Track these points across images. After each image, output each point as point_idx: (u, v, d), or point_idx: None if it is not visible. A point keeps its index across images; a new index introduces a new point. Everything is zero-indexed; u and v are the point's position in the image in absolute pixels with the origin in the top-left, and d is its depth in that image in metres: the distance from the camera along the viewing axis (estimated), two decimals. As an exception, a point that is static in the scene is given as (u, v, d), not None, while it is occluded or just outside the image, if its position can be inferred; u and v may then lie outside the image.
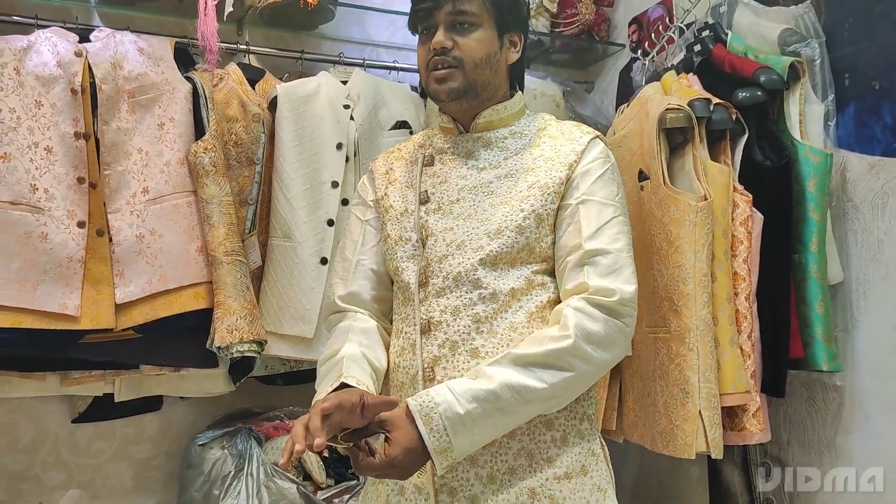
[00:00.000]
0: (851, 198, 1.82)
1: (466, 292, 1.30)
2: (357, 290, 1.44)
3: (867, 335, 1.78)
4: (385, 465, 1.14)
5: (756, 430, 1.66)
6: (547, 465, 1.27)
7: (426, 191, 1.39)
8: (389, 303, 1.45)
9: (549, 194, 1.33)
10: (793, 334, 1.73)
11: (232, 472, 1.89)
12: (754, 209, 1.72)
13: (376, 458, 1.15)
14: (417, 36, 1.40)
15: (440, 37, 1.33)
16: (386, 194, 1.45)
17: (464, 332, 1.29)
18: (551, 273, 1.34)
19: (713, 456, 1.58)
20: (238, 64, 2.11)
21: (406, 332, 1.35)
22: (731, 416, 1.69)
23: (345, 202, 2.05)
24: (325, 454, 2.02)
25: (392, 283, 1.44)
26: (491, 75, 1.37)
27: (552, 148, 1.37)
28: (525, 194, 1.33)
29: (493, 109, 1.40)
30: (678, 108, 1.70)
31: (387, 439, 1.16)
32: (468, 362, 1.28)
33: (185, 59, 2.04)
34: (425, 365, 1.29)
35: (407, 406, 1.18)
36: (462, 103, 1.37)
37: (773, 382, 1.72)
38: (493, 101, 1.40)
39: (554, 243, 1.33)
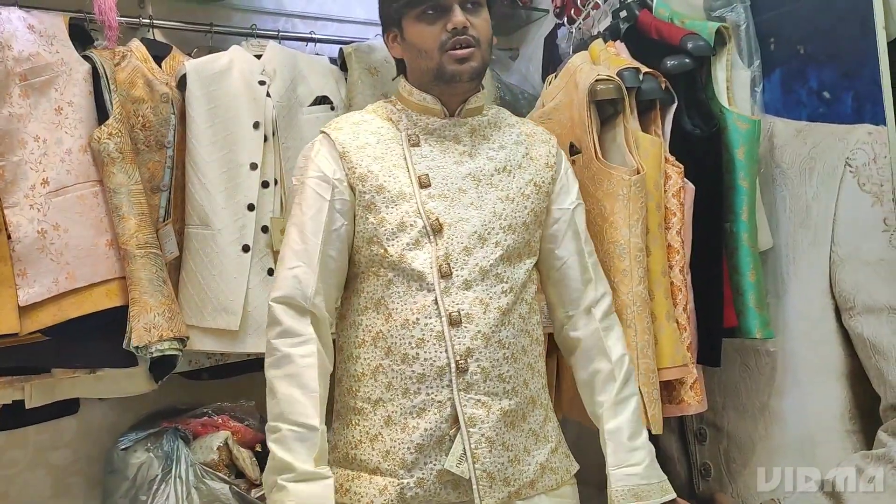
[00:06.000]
0: (779, 163, 1.82)
1: (491, 286, 1.35)
2: (327, 291, 1.36)
3: (797, 300, 1.79)
4: None
5: (694, 402, 1.66)
6: (544, 441, 1.42)
7: (426, 174, 1.36)
8: (339, 292, 1.42)
9: (542, 193, 1.45)
10: (726, 303, 1.72)
11: (159, 476, 1.79)
12: (686, 180, 1.70)
13: None
14: (410, 16, 1.37)
15: (460, 16, 1.34)
16: (371, 171, 1.36)
17: (493, 325, 1.33)
18: (535, 265, 1.47)
19: (653, 432, 1.56)
20: (141, 40, 1.95)
21: (424, 323, 1.31)
22: (669, 388, 1.68)
23: (265, 185, 1.94)
24: (258, 449, 1.94)
25: (342, 272, 1.40)
26: (490, 57, 1.41)
27: (532, 146, 1.48)
28: (525, 192, 1.43)
29: (476, 96, 1.45)
30: (608, 79, 1.66)
31: None
32: (497, 352, 1.33)
33: (83, 36, 1.87)
34: (457, 357, 1.30)
35: None
36: (473, 84, 1.40)
37: (708, 353, 1.72)
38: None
39: (540, 238, 1.48)
